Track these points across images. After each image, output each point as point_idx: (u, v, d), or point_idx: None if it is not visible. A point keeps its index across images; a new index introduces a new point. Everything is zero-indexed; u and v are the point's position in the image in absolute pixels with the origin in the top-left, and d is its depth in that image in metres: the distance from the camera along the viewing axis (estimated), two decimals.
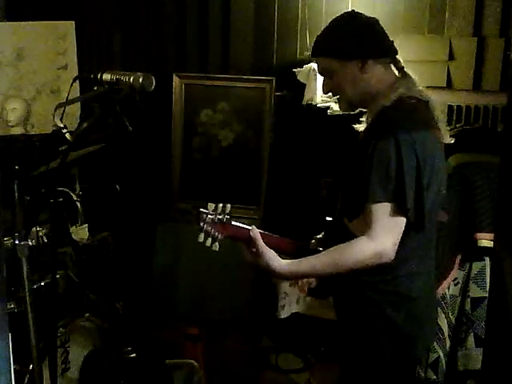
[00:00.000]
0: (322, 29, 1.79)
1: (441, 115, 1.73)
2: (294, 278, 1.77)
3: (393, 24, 3.06)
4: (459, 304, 2.51)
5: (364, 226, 1.62)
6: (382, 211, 1.59)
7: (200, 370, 2.69)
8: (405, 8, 3.14)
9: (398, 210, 1.60)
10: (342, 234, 1.71)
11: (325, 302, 2.83)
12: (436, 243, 1.85)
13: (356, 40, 1.70)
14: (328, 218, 1.86)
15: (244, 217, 3.25)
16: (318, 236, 1.89)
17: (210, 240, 1.68)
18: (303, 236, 1.89)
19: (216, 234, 1.67)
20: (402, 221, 1.61)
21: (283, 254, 1.73)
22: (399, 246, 1.63)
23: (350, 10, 3.16)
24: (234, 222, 1.70)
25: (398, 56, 1.76)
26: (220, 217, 1.68)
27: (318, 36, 1.78)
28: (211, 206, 1.69)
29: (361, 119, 1.82)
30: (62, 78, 3.61)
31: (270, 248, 1.68)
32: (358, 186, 1.64)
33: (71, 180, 2.74)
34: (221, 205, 1.69)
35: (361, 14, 1.75)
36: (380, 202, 1.59)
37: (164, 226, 3.64)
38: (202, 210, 1.69)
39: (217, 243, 1.67)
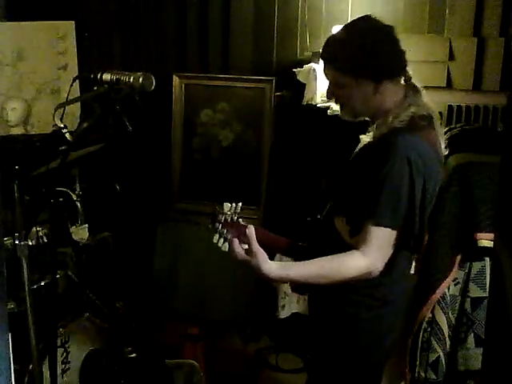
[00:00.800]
0: (322, 30, 1.75)
1: (440, 128, 1.74)
2: (282, 282, 1.79)
3: (393, 24, 3.05)
4: (459, 304, 2.51)
5: (359, 240, 1.64)
6: (383, 235, 1.62)
7: (200, 370, 2.69)
8: (405, 8, 3.14)
9: (396, 236, 1.63)
10: (328, 236, 1.74)
11: None
12: (436, 243, 1.86)
13: (373, 60, 1.63)
14: (309, 219, 1.86)
15: (244, 217, 3.24)
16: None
17: (222, 240, 1.67)
18: (303, 236, 1.89)
19: (226, 233, 1.66)
20: (395, 242, 1.64)
21: (277, 251, 1.74)
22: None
23: (350, 10, 3.20)
24: (241, 221, 1.69)
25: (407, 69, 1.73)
26: (232, 217, 1.67)
27: (330, 39, 1.72)
28: (227, 206, 1.68)
29: (369, 129, 1.78)
30: (62, 78, 3.62)
31: (265, 244, 1.65)
32: (363, 202, 1.64)
33: (71, 180, 2.74)
34: (234, 204, 1.68)
35: (377, 21, 1.70)
36: (386, 227, 1.61)
37: (164, 226, 3.63)
38: (218, 209, 1.67)
39: (227, 244, 1.66)
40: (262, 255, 1.62)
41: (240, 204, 1.68)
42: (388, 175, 1.59)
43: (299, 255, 1.76)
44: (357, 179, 1.70)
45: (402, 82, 1.71)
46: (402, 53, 1.70)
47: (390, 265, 1.68)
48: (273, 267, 1.63)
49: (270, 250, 1.67)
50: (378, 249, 1.62)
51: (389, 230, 1.62)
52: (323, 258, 1.64)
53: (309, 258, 1.66)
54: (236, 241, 1.63)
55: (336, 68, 1.67)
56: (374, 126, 1.72)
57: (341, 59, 1.66)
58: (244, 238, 1.63)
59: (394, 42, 1.69)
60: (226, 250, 1.65)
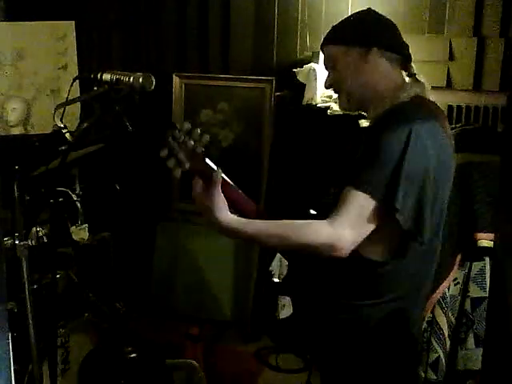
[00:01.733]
0: (322, 30, 1.72)
1: (449, 128, 1.60)
2: (234, 236, 1.51)
3: None
4: (459, 304, 2.51)
5: (332, 210, 1.45)
6: (358, 203, 1.42)
7: (200, 369, 2.69)
8: (405, 8, 3.14)
9: (376, 209, 1.42)
10: None
11: None
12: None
13: (361, 27, 1.61)
14: (312, 212, 1.68)
15: None
16: None
17: (173, 161, 1.44)
18: None
19: (183, 159, 1.44)
20: (374, 222, 1.43)
21: (238, 212, 1.54)
22: (393, 267, 1.50)
23: (349, 10, 3.20)
24: (206, 159, 1.48)
25: (411, 64, 1.65)
26: (193, 143, 1.45)
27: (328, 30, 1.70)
28: (188, 125, 1.46)
29: (363, 112, 1.70)
30: (61, 78, 3.62)
31: (227, 199, 1.50)
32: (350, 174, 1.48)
33: (71, 180, 2.74)
34: (199, 130, 1.47)
35: (378, 12, 1.66)
36: (363, 192, 1.42)
37: (164, 226, 3.64)
38: (177, 125, 1.46)
39: (179, 170, 1.44)
40: (221, 202, 1.47)
41: (208, 136, 1.47)
42: (380, 140, 1.44)
43: None
44: (350, 168, 1.53)
45: (404, 73, 1.64)
46: (397, 35, 1.64)
47: (397, 280, 1.52)
48: (228, 218, 1.47)
49: (233, 210, 1.51)
50: (347, 219, 1.41)
51: (365, 196, 1.41)
52: (286, 220, 1.49)
53: None
54: (200, 181, 1.48)
55: (329, 42, 1.65)
56: (371, 109, 1.62)
57: (330, 34, 1.66)
58: (206, 180, 1.47)
59: (388, 23, 1.64)
60: (178, 176, 1.45)
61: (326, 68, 1.70)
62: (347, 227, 1.42)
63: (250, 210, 1.56)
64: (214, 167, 1.49)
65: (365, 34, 1.60)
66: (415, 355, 1.69)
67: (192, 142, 1.44)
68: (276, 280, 1.73)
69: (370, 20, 1.63)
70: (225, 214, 1.47)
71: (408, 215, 1.43)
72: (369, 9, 1.68)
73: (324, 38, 1.68)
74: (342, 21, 1.68)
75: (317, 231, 1.43)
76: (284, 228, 1.47)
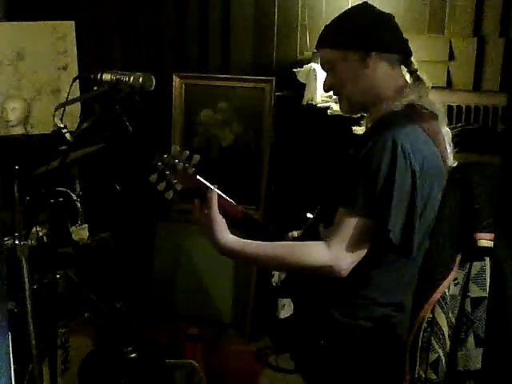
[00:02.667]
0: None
1: (449, 133, 1.58)
2: (233, 257, 1.55)
3: None
4: (459, 304, 2.51)
5: (328, 233, 1.46)
6: (353, 225, 1.42)
7: (200, 369, 2.69)
8: (405, 8, 3.14)
9: (371, 228, 1.43)
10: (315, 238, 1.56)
11: None
12: (436, 243, 1.82)
13: (359, 30, 1.54)
14: (309, 215, 1.70)
15: None
16: (295, 232, 1.73)
17: (164, 185, 1.47)
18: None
19: (174, 181, 1.47)
20: (370, 240, 1.44)
21: (229, 219, 1.55)
22: (383, 276, 1.52)
23: None
24: (198, 177, 1.50)
25: (412, 58, 1.60)
26: (183, 165, 1.48)
27: (323, 29, 1.65)
28: (176, 148, 1.49)
29: (361, 122, 1.67)
30: (61, 78, 3.62)
31: (220, 211, 1.51)
32: (339, 189, 1.48)
33: (71, 180, 2.74)
34: (187, 152, 1.50)
35: (374, 6, 1.59)
36: (357, 215, 1.42)
37: (164, 226, 3.64)
38: (166, 150, 1.49)
39: (171, 192, 1.47)
40: (222, 224, 1.48)
41: (198, 156, 1.50)
42: (366, 156, 1.42)
43: (252, 231, 1.61)
44: (340, 178, 1.54)
45: (404, 72, 1.60)
46: (397, 33, 1.58)
47: (386, 289, 1.53)
48: (229, 239, 1.48)
49: (223, 216, 1.53)
50: (344, 241, 1.41)
51: (359, 218, 1.41)
52: (285, 242, 1.52)
53: (263, 236, 1.53)
54: (197, 202, 1.49)
55: (325, 46, 1.61)
56: (370, 112, 1.60)
57: (326, 36, 1.61)
58: (202, 198, 1.48)
59: (386, 21, 1.58)
60: (170, 198, 1.47)
61: (324, 70, 1.66)
62: (345, 249, 1.43)
63: (235, 215, 1.58)
64: (209, 184, 1.52)
65: (362, 37, 1.54)
66: (401, 356, 1.72)
67: (182, 164, 1.47)
68: (274, 284, 1.73)
69: (367, 20, 1.56)
70: (224, 234, 1.49)
71: (399, 232, 1.44)
72: (365, 3, 1.62)
73: (319, 40, 1.64)
74: (337, 20, 1.61)
75: (315, 255, 1.44)
76: (283, 252, 1.49)
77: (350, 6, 1.71)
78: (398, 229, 1.43)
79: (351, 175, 1.45)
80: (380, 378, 1.65)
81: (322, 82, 1.68)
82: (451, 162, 1.60)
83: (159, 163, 1.47)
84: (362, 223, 1.43)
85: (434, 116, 1.54)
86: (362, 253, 1.46)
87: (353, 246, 1.43)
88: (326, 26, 1.63)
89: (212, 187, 1.51)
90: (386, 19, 1.58)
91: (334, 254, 1.42)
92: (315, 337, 1.66)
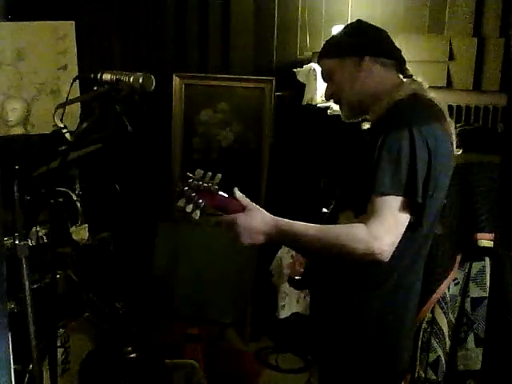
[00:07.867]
0: (322, 30, 1.77)
1: (452, 124, 1.63)
2: (279, 238, 1.56)
3: (393, 24, 3.06)
4: (459, 304, 2.51)
5: (364, 217, 1.49)
6: (387, 205, 1.47)
7: (200, 369, 2.70)
8: (405, 8, 3.14)
9: (404, 206, 1.48)
10: None
11: None
12: (436, 243, 1.83)
13: (353, 38, 1.70)
14: (324, 210, 1.75)
15: None
16: None
17: (191, 206, 1.55)
18: None
19: (200, 201, 1.55)
20: (406, 219, 1.49)
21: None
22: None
23: (350, 10, 3.20)
24: (221, 193, 1.59)
25: (406, 65, 1.70)
26: (207, 185, 1.57)
27: (323, 45, 1.79)
28: (199, 172, 1.57)
29: (367, 116, 1.74)
30: (61, 78, 3.62)
31: (221, 209, 1.59)
32: (365, 180, 1.52)
33: (71, 180, 2.74)
34: (210, 173, 1.58)
35: (368, 22, 1.74)
36: (388, 194, 1.47)
37: (164, 226, 3.64)
38: (189, 174, 1.57)
39: (198, 211, 1.55)
40: (256, 211, 1.56)
41: (219, 175, 1.59)
42: (386, 144, 1.49)
43: None
44: (360, 167, 1.60)
45: (399, 75, 1.69)
46: (389, 42, 1.71)
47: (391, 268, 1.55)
48: (268, 217, 1.55)
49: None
50: (382, 223, 1.46)
51: (391, 197, 1.47)
52: (326, 225, 1.55)
53: None
54: (222, 219, 1.57)
55: (324, 57, 1.74)
56: (371, 112, 1.69)
57: (328, 48, 1.74)
58: (225, 210, 1.57)
59: (378, 31, 1.72)
60: (197, 218, 1.55)
61: (324, 80, 1.78)
62: (384, 231, 1.46)
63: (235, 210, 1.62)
64: (225, 195, 1.60)
65: (356, 44, 1.69)
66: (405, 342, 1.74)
67: (206, 184, 1.57)
68: (297, 278, 1.77)
69: (361, 30, 1.72)
70: (266, 217, 1.54)
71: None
72: (358, 20, 1.77)
73: (319, 54, 1.77)
74: (334, 36, 1.80)
75: (357, 236, 1.46)
76: (323, 232, 1.52)
77: (350, 6, 1.75)
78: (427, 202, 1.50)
79: (373, 165, 1.51)
80: (392, 363, 1.70)
81: (324, 93, 1.80)
82: (455, 150, 1.64)
83: (185, 188, 1.56)
84: (395, 203, 1.48)
85: (437, 106, 1.61)
86: (400, 234, 1.49)
87: (392, 228, 1.47)
88: (326, 42, 1.77)
89: (233, 192, 1.60)
90: (379, 31, 1.73)
91: (374, 233, 1.45)
92: (334, 325, 1.70)
